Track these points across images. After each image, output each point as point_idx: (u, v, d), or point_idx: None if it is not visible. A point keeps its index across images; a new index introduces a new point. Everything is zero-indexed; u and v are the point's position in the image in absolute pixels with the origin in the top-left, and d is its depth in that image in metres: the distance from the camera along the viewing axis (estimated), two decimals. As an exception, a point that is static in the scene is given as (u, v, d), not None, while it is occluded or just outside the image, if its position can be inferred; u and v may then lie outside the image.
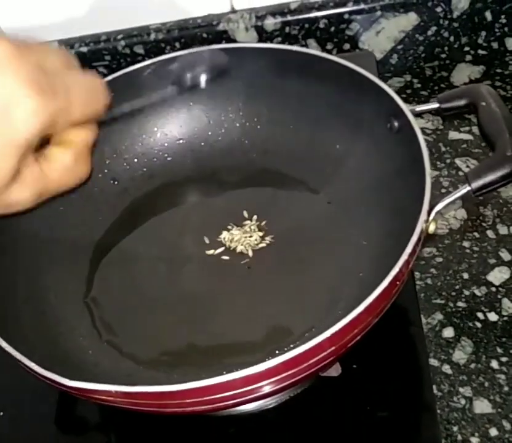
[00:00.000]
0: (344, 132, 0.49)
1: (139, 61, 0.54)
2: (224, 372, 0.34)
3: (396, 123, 0.45)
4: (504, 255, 0.49)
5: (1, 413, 0.44)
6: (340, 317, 0.35)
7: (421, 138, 0.41)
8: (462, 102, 0.44)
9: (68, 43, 0.66)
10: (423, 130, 0.57)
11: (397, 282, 0.36)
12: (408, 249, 0.36)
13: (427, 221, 0.38)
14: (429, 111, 0.46)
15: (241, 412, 0.41)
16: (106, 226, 0.52)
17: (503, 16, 0.62)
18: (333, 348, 0.35)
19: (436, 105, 0.45)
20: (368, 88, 0.46)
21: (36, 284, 0.47)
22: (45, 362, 0.37)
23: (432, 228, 0.39)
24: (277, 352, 0.35)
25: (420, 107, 0.45)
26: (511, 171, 0.39)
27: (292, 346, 0.36)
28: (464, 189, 0.39)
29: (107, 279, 0.48)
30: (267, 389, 0.35)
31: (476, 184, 0.39)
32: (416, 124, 0.42)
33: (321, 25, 0.64)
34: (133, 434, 0.42)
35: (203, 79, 0.49)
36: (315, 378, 0.41)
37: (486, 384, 0.42)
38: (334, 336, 0.34)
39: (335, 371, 0.41)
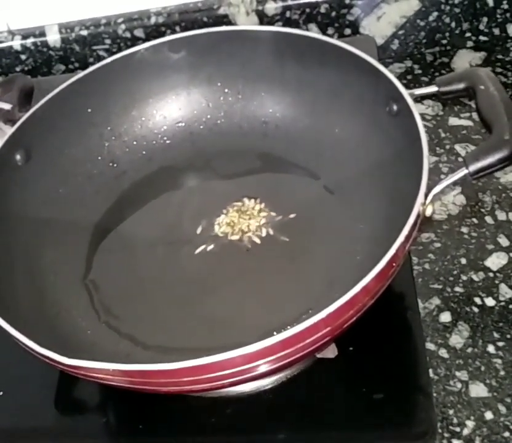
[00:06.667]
0: (343, 116, 0.49)
1: (139, 45, 0.54)
2: (222, 352, 0.34)
3: (394, 107, 0.45)
4: (503, 240, 0.49)
5: (1, 393, 0.45)
6: (337, 298, 0.35)
7: (419, 120, 0.41)
8: (461, 85, 0.44)
9: (68, 27, 0.66)
10: (422, 116, 0.57)
11: (394, 264, 0.36)
12: (405, 231, 0.36)
13: (424, 203, 0.38)
14: (428, 95, 0.46)
15: (238, 393, 0.41)
16: (105, 208, 0.52)
17: (504, 2, 0.62)
18: (329, 328, 0.35)
19: (434, 89, 0.45)
20: (367, 72, 0.46)
21: (35, 264, 0.47)
22: (44, 342, 0.37)
23: (429, 211, 0.39)
24: (274, 333, 0.35)
25: (419, 91, 0.45)
26: (508, 155, 0.39)
27: (288, 326, 0.37)
28: (461, 172, 0.39)
29: (106, 261, 0.49)
30: (264, 369, 0.35)
31: (474, 167, 0.39)
32: (415, 107, 0.42)
33: (322, 10, 0.63)
34: (131, 416, 0.42)
35: None
36: (311, 359, 0.41)
37: (482, 368, 0.42)
38: (330, 317, 0.34)
39: (331, 353, 0.41)
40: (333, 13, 0.63)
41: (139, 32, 0.65)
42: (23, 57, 0.67)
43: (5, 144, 0.48)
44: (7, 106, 0.53)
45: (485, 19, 0.63)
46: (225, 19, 0.64)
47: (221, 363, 0.34)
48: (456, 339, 0.44)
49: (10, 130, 0.50)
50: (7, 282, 0.44)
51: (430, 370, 0.42)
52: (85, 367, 0.36)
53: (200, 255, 0.48)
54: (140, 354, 0.42)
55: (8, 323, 0.38)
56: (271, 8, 0.63)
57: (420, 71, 0.63)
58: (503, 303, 0.45)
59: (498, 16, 0.62)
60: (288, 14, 0.63)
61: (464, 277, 0.47)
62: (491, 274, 0.47)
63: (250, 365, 0.35)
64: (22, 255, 0.47)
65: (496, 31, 0.63)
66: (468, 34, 0.63)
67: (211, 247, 0.48)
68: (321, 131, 0.51)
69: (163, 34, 0.64)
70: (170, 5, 0.65)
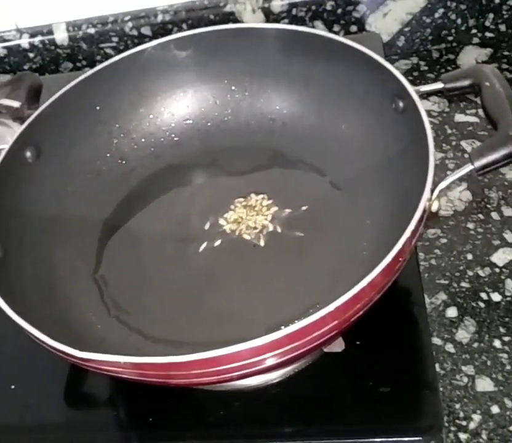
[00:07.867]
0: (350, 113, 0.49)
1: (146, 43, 0.54)
2: (230, 345, 0.35)
3: (400, 103, 0.45)
4: (509, 236, 0.49)
5: (13, 387, 0.45)
6: (344, 293, 0.35)
7: (425, 117, 0.41)
8: (466, 82, 0.44)
9: (76, 25, 0.66)
10: (429, 112, 0.57)
11: (400, 259, 0.36)
12: (411, 226, 0.37)
13: (430, 199, 0.38)
14: (434, 92, 0.47)
15: (246, 386, 0.42)
16: (113, 205, 0.52)
17: (510, -1, 0.62)
18: (336, 322, 0.35)
19: (440, 85, 0.45)
20: (373, 69, 0.46)
21: (45, 260, 0.47)
22: (56, 336, 0.38)
23: (435, 207, 0.39)
24: (282, 327, 0.36)
25: (425, 88, 0.46)
26: (513, 151, 0.39)
27: (296, 321, 0.37)
28: (467, 168, 0.40)
29: (115, 256, 0.49)
30: (271, 362, 0.36)
31: (479, 163, 0.39)
32: (421, 103, 0.42)
33: (328, 7, 0.64)
34: (140, 409, 0.43)
35: None
36: (319, 353, 0.42)
37: (488, 362, 0.43)
38: (337, 311, 0.35)
39: (338, 347, 0.41)
40: (339, 10, 0.64)
41: (146, 30, 0.66)
42: (31, 55, 0.68)
43: (16, 141, 0.49)
44: (15, 104, 0.53)
45: (491, 15, 0.63)
46: (231, 17, 0.64)
47: (229, 356, 0.35)
48: (463, 334, 0.44)
49: (19, 128, 0.50)
50: (18, 277, 0.45)
51: (436, 365, 0.43)
52: (97, 359, 0.36)
53: (208, 251, 0.48)
54: (149, 348, 0.43)
55: (21, 317, 0.39)
56: (277, 5, 0.64)
57: (426, 68, 0.63)
58: (509, 298, 0.46)
59: (504, 12, 0.63)
60: (294, 11, 0.64)
61: (470, 273, 0.47)
62: (497, 270, 0.47)
63: (258, 358, 0.35)
64: (32, 250, 0.47)
65: (503, 28, 0.63)
66: (474, 31, 0.64)
67: (219, 242, 0.48)
68: (327, 128, 0.51)
69: (170, 32, 0.65)
70: (176, 3, 0.65)
